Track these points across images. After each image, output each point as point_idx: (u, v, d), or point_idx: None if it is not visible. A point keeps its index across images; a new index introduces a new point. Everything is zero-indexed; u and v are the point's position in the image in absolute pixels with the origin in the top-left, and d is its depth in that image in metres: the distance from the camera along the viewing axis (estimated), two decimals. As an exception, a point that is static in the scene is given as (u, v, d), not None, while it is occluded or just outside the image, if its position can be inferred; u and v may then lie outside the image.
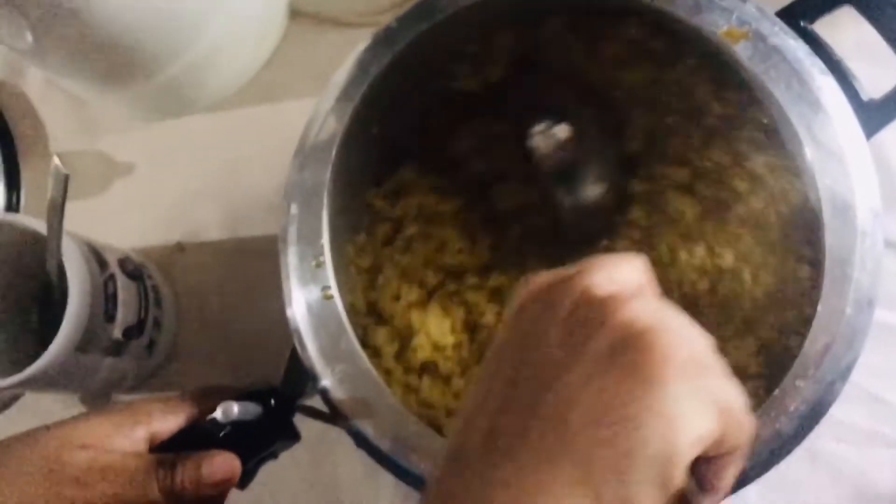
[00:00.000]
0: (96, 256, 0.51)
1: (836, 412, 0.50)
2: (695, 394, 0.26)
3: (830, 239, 0.37)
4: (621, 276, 0.30)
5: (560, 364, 0.27)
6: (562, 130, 0.43)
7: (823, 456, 0.52)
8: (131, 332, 0.53)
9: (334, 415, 0.40)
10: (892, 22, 0.41)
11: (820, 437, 0.51)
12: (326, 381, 0.40)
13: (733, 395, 0.27)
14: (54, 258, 0.49)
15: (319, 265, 0.40)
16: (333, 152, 0.41)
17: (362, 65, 0.42)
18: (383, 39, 0.42)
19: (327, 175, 0.41)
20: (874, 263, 0.37)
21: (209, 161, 0.61)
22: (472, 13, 0.42)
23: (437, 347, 0.47)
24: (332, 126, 0.42)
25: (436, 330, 0.47)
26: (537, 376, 0.28)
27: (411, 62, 0.42)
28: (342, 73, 0.42)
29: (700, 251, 0.46)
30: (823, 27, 0.42)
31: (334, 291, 0.40)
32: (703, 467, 0.28)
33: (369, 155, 0.46)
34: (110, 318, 0.51)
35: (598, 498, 0.25)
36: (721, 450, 0.27)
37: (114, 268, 0.52)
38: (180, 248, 0.60)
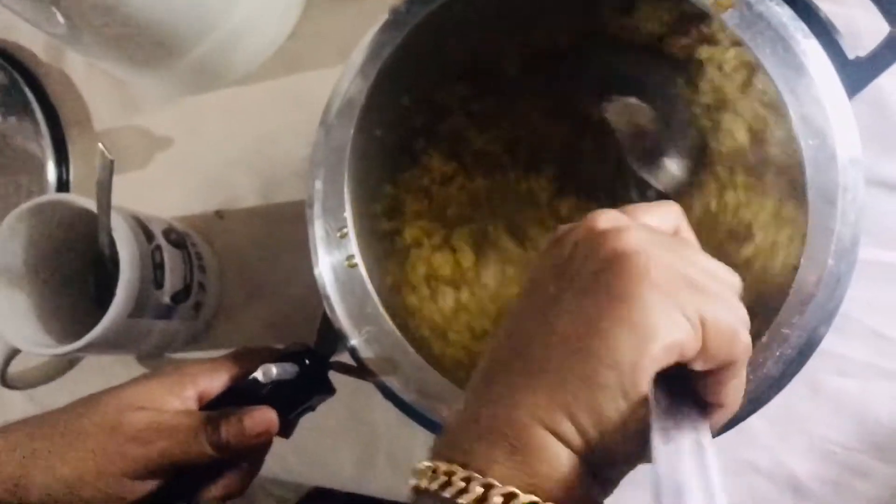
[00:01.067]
0: (143, 229, 0.56)
1: (837, 347, 0.54)
2: (666, 305, 0.28)
3: (813, 194, 0.40)
4: (650, 218, 0.33)
5: (552, 298, 0.30)
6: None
7: (826, 389, 0.55)
8: (179, 296, 0.58)
9: (363, 371, 0.44)
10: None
11: (822, 371, 0.54)
12: (355, 341, 0.44)
13: (718, 309, 0.29)
14: (105, 233, 0.53)
15: (343, 236, 0.44)
16: (352, 130, 0.45)
17: (375, 46, 0.45)
18: (393, 22, 0.45)
19: (347, 151, 0.45)
20: (856, 215, 0.39)
21: (241, 132, 0.65)
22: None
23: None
24: (349, 105, 0.45)
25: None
26: (535, 312, 0.31)
27: (420, 42, 0.45)
28: (358, 54, 0.45)
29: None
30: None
31: (358, 259, 0.44)
32: (700, 383, 0.31)
33: (390, 130, 0.50)
34: (159, 285, 0.55)
35: (567, 406, 0.28)
36: (710, 363, 0.30)
37: (159, 238, 0.57)
38: (220, 215, 0.64)
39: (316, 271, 0.44)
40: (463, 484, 0.28)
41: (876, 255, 0.53)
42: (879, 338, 0.54)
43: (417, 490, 0.30)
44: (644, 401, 0.28)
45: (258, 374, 0.43)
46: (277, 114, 0.64)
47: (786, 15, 0.41)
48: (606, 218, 0.32)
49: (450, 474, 0.28)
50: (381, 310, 0.43)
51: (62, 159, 0.68)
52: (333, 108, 0.45)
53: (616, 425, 0.28)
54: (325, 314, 0.45)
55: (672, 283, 0.29)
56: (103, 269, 0.59)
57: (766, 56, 0.41)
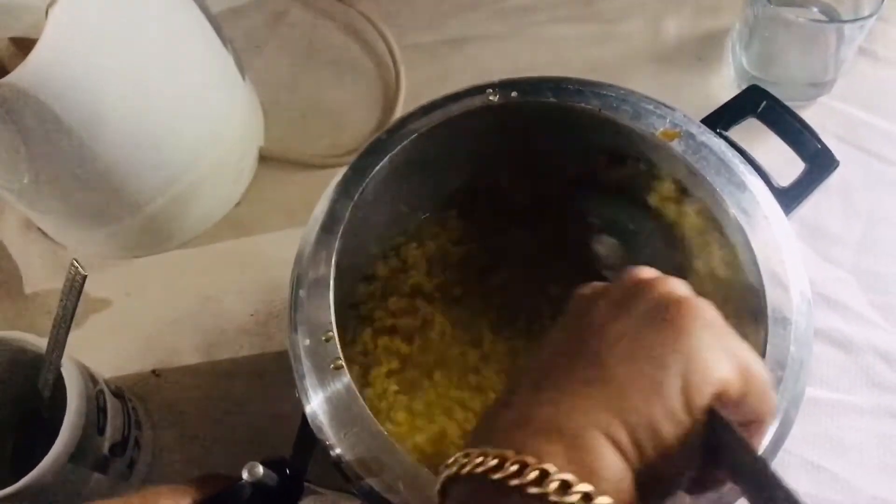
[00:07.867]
0: (87, 371, 0.54)
1: (779, 481, 0.56)
2: (716, 344, 0.31)
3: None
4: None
5: (606, 321, 0.33)
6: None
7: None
8: (116, 448, 0.55)
9: (346, 481, 0.42)
10: (788, 127, 0.51)
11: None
12: (339, 449, 0.42)
13: (753, 358, 0.32)
14: (52, 371, 0.51)
15: (329, 340, 0.44)
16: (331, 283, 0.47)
17: (331, 212, 0.48)
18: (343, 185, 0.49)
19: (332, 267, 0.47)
20: (807, 306, 0.44)
21: (184, 293, 0.65)
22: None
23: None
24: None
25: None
26: (587, 331, 0.33)
27: (372, 199, 0.50)
28: (307, 240, 0.48)
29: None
30: (738, 132, 0.51)
31: (342, 361, 0.44)
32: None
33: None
34: (101, 430, 0.53)
35: (627, 418, 0.29)
36: (743, 413, 0.32)
37: (101, 383, 0.55)
38: (156, 374, 0.62)
39: (301, 383, 0.44)
40: (516, 468, 0.28)
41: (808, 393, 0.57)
42: (818, 470, 0.57)
43: (454, 478, 0.30)
44: (693, 429, 0.30)
45: (243, 474, 0.41)
46: (223, 275, 0.65)
47: (723, 145, 0.48)
48: (650, 271, 0.36)
49: (501, 458, 0.29)
50: (367, 410, 0.43)
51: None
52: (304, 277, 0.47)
53: (668, 446, 0.30)
54: (302, 425, 0.44)
55: (721, 328, 0.33)
56: (27, 432, 0.56)
57: (713, 175, 0.46)
